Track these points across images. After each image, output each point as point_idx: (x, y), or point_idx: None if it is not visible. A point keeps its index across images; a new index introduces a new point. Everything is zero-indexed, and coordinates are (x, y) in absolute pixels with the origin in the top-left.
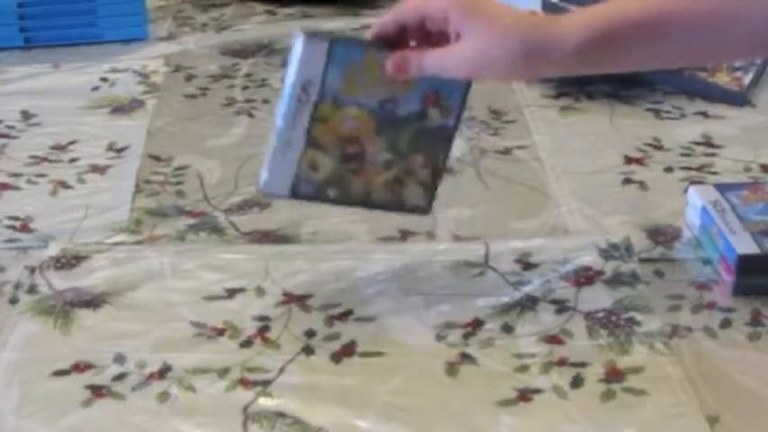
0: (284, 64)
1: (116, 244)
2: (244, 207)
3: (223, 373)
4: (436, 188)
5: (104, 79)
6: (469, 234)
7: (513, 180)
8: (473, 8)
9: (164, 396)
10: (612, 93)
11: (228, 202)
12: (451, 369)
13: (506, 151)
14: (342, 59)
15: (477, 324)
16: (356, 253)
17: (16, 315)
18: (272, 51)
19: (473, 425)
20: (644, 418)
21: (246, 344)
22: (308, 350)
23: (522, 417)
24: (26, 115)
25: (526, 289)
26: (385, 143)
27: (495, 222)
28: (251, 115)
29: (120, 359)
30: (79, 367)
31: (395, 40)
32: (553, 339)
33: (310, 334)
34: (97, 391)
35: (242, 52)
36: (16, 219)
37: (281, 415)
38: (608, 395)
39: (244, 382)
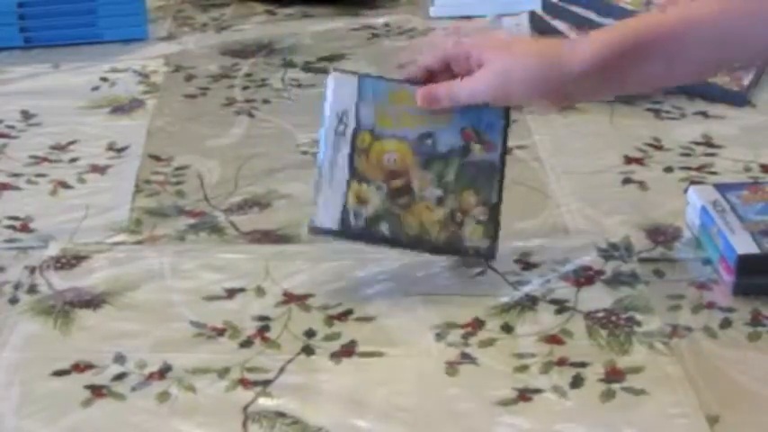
0: (284, 64)
1: (116, 244)
2: (244, 207)
3: (223, 373)
4: (497, 228)
5: (104, 79)
6: None
7: (513, 180)
8: (493, 41)
9: (164, 396)
10: None
11: (228, 202)
12: (451, 369)
13: (507, 151)
14: (372, 94)
15: (477, 324)
16: (356, 253)
17: (16, 315)
18: (272, 51)
19: (473, 425)
20: (644, 418)
21: (246, 344)
22: (308, 350)
23: (522, 417)
24: (26, 115)
25: (526, 289)
26: (432, 178)
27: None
28: (251, 115)
29: (120, 359)
30: (79, 367)
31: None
32: (553, 339)
33: (310, 334)
34: (97, 391)
35: (242, 52)
36: (16, 219)
37: (281, 415)
38: (608, 395)
39: (244, 382)
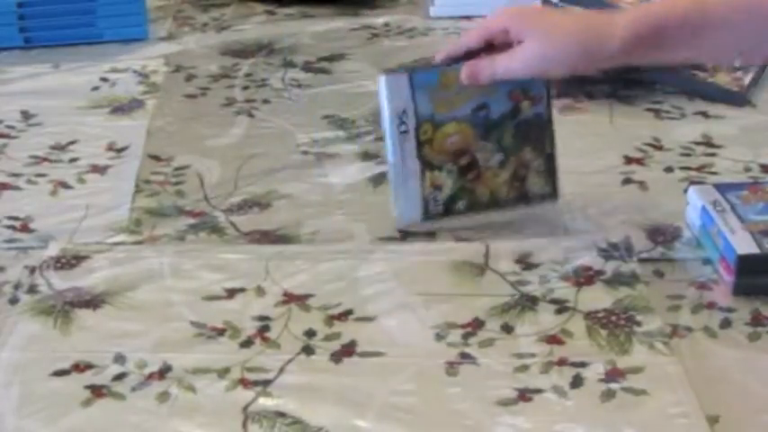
0: (284, 64)
1: (116, 244)
2: (244, 207)
3: (223, 373)
4: (555, 173)
5: (104, 79)
6: (469, 234)
7: None
8: (530, 16)
9: (164, 396)
10: (612, 93)
11: (228, 202)
12: (451, 369)
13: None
14: (424, 84)
15: (477, 324)
16: (356, 253)
17: (16, 315)
18: (272, 51)
19: (473, 425)
20: (644, 418)
21: (246, 344)
22: (308, 350)
23: (522, 417)
24: (26, 115)
25: (526, 289)
26: (492, 146)
27: (495, 222)
28: (251, 115)
29: (120, 359)
30: (79, 367)
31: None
32: (553, 339)
33: (310, 334)
34: (97, 391)
35: (242, 52)
36: (16, 219)
37: (281, 415)
38: (608, 395)
39: (244, 382)
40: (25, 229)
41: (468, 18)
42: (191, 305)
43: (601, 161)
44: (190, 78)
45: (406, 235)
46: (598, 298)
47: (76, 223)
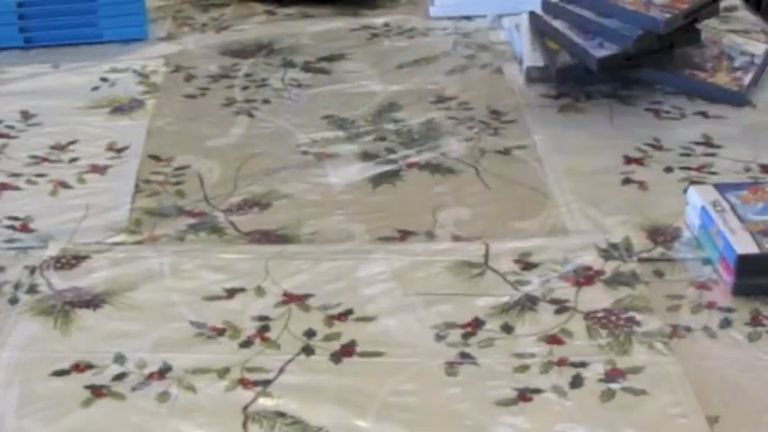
0: (284, 64)
1: (116, 244)
2: (244, 207)
3: (223, 373)
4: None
5: (104, 79)
6: (469, 234)
7: (513, 180)
8: None
9: (164, 396)
10: (612, 93)
11: (228, 202)
12: (451, 369)
13: (506, 151)
14: None
15: (477, 324)
16: (356, 253)
17: (16, 315)
18: (271, 51)
19: (473, 425)
20: (644, 418)
21: (246, 344)
22: (308, 350)
23: (522, 417)
24: (26, 115)
25: (526, 289)
26: None
27: (495, 222)
28: (251, 115)
29: (120, 359)
30: (79, 367)
31: None
32: (553, 339)
33: (310, 334)
34: (97, 391)
35: (242, 52)
36: (16, 219)
37: (281, 415)
38: (608, 395)
39: (244, 382)
40: (25, 229)
41: (468, 18)
42: (191, 305)
43: (601, 161)
44: (189, 78)
45: (405, 235)
46: (598, 298)
47: (76, 223)
